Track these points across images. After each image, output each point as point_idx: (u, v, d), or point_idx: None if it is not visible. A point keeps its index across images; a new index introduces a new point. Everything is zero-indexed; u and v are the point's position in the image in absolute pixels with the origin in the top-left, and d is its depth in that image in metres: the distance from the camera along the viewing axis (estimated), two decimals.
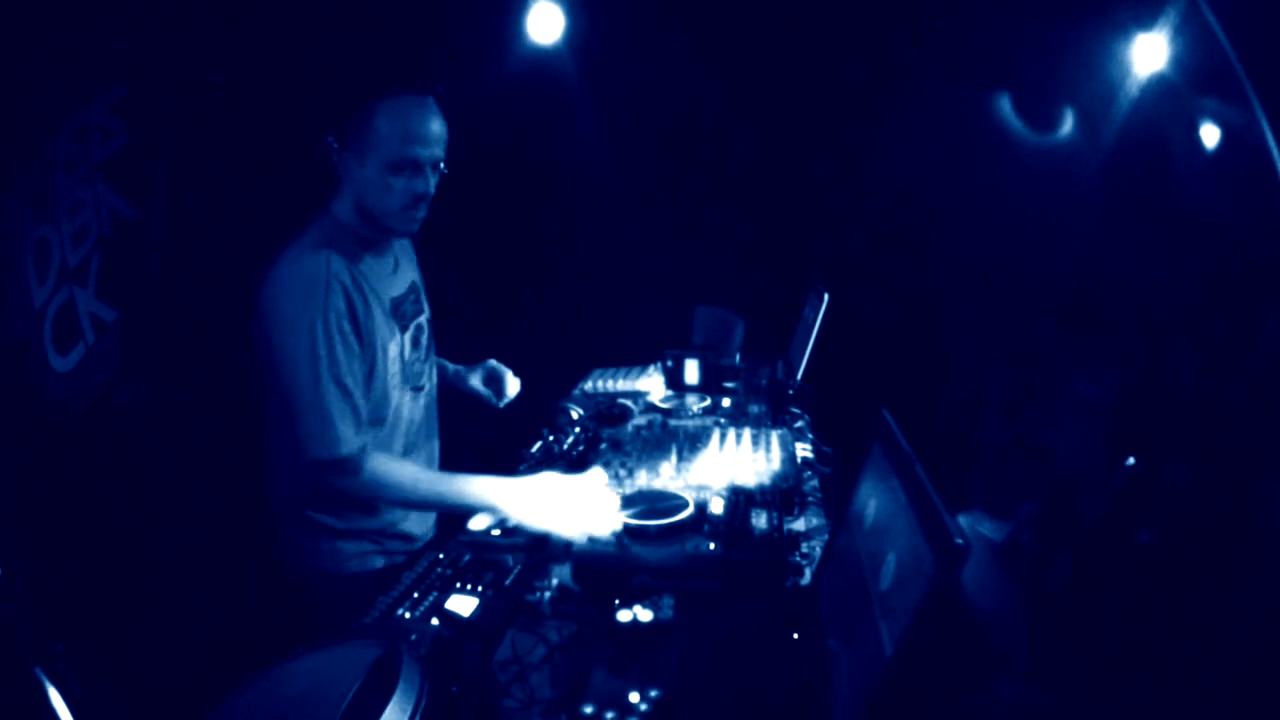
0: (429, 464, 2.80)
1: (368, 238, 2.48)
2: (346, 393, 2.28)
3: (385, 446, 2.52)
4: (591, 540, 2.08)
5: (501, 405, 3.09)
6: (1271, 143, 2.53)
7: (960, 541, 1.08)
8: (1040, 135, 3.25)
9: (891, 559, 1.29)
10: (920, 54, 3.71)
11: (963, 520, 1.49)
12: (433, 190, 2.40)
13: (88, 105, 3.57)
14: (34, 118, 3.35)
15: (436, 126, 2.36)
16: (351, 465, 2.27)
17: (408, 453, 2.65)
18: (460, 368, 3.12)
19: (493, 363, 3.13)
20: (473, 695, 1.49)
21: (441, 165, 2.41)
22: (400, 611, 1.93)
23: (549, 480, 2.33)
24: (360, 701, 1.33)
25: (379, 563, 2.56)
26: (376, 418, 2.47)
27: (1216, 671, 1.94)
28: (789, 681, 1.52)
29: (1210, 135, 2.74)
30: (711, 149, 4.65)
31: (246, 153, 3.88)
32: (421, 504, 2.50)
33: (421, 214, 2.42)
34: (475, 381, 3.08)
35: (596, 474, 2.42)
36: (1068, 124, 3.09)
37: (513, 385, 3.09)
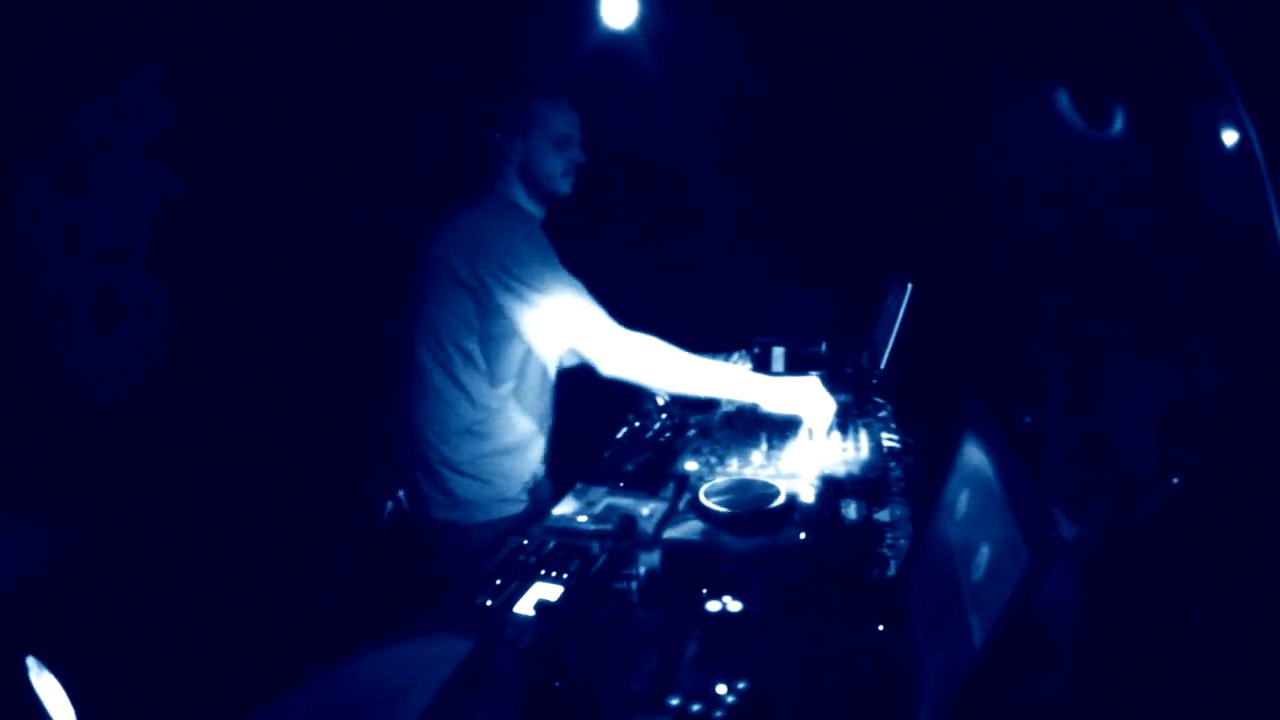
0: (546, 434, 3.02)
1: (530, 213, 2.91)
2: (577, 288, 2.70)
3: (523, 392, 2.85)
4: (681, 529, 2.09)
5: None
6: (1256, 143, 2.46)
7: (1056, 535, 1.06)
8: (1098, 131, 3.18)
9: (985, 550, 1.27)
10: (995, 43, 3.65)
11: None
12: (583, 158, 2.93)
13: (122, 82, 3.60)
14: (57, 93, 3.38)
15: (574, 113, 2.93)
16: (626, 334, 2.71)
17: (539, 423, 2.93)
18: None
19: None
20: (578, 689, 1.49)
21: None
22: (481, 600, 1.92)
23: (805, 381, 2.69)
24: (450, 699, 1.32)
25: (502, 511, 2.78)
26: (530, 360, 2.82)
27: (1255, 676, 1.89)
28: (874, 673, 1.50)
29: (1230, 135, 2.67)
30: (796, 134, 4.60)
31: (307, 140, 3.95)
32: (689, 383, 2.70)
33: (573, 177, 2.94)
34: None
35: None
36: (1120, 121, 3.02)
37: None
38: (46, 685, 2.16)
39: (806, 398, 2.64)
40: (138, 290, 3.66)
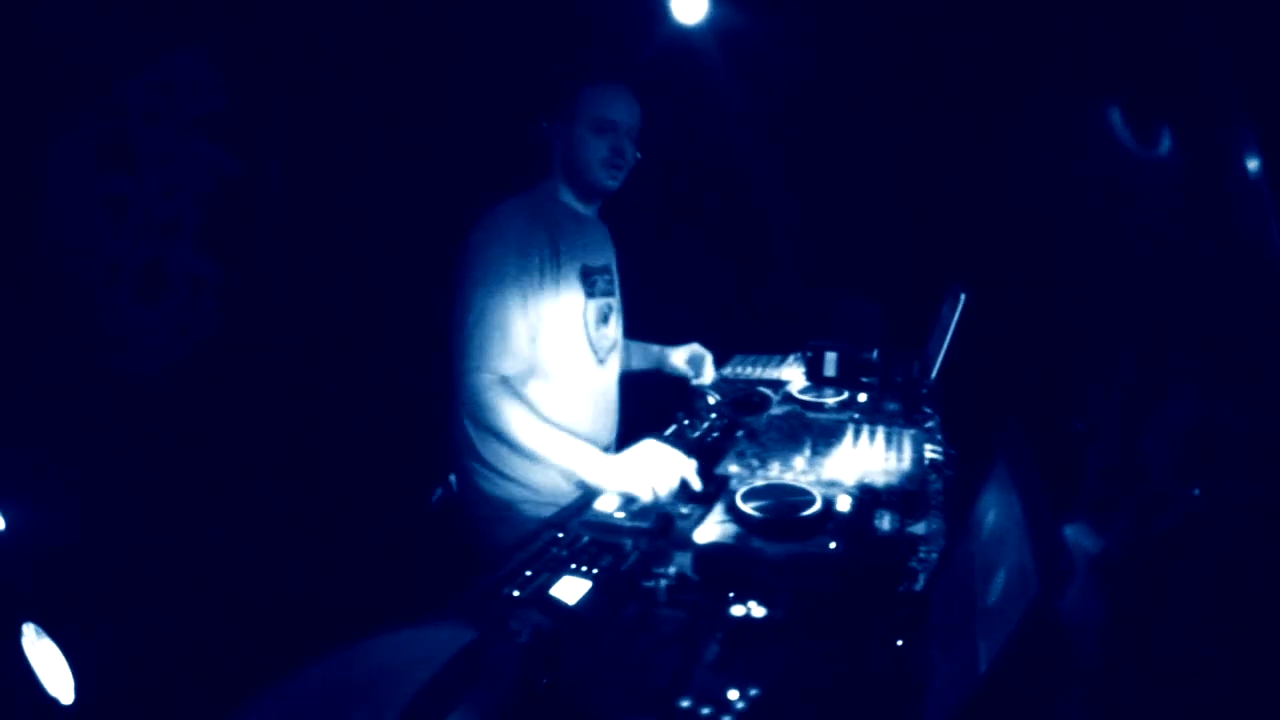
0: (609, 436, 3.10)
1: (575, 212, 2.93)
2: (506, 321, 2.58)
3: (576, 419, 2.87)
4: (715, 531, 2.10)
5: (694, 383, 3.42)
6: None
7: (1064, 566, 1.06)
8: (1146, 150, 3.14)
9: (1001, 574, 1.27)
10: (1057, 52, 3.61)
11: (1069, 531, 1.45)
12: (629, 157, 2.86)
13: (170, 57, 3.62)
14: (96, 64, 3.39)
15: (628, 102, 2.85)
16: (487, 379, 2.55)
17: (594, 426, 2.97)
18: (664, 348, 3.53)
19: (697, 346, 3.54)
20: (567, 687, 1.51)
21: (635, 142, 2.88)
22: (508, 590, 1.94)
23: (646, 446, 2.52)
24: (441, 687, 1.35)
25: (539, 512, 2.77)
26: (541, 369, 2.79)
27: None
28: (886, 688, 1.51)
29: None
30: (856, 138, 4.59)
31: (365, 123, 3.99)
32: (524, 448, 2.59)
33: (620, 173, 2.88)
34: (678, 359, 3.47)
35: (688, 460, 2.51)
36: (1166, 140, 2.98)
37: (709, 370, 3.45)
38: (45, 652, 2.19)
39: (638, 470, 2.42)
40: (187, 265, 3.72)
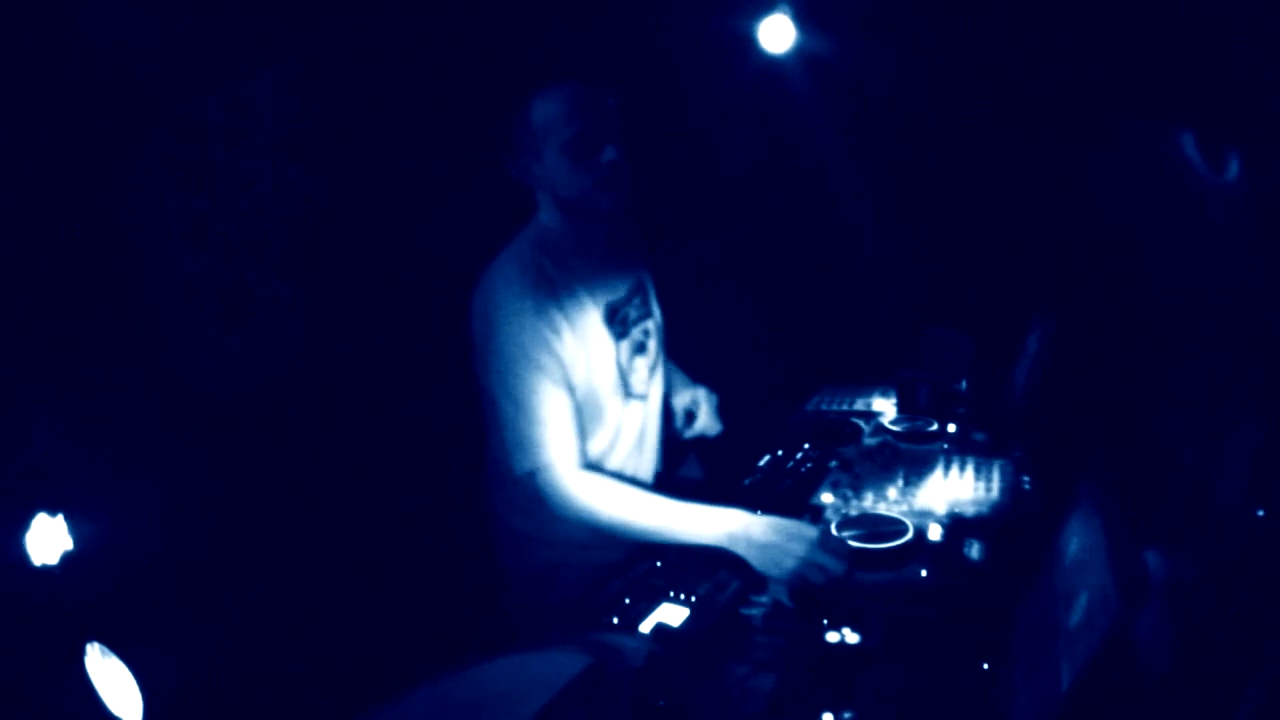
0: (645, 476, 2.82)
1: (579, 240, 2.54)
2: (549, 404, 2.33)
3: (602, 457, 2.59)
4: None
5: (685, 436, 3.07)
6: None
7: (1143, 587, 1.12)
8: (1218, 175, 3.14)
9: (1083, 598, 1.32)
10: (1145, 78, 3.61)
11: (1150, 556, 1.50)
12: (620, 159, 2.40)
13: (250, 77, 3.60)
14: (175, 83, 3.33)
15: (595, 98, 2.41)
16: (568, 472, 2.34)
17: (624, 463, 2.69)
18: (680, 376, 3.17)
19: (704, 391, 3.11)
20: (679, 712, 1.56)
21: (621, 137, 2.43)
22: (608, 617, 2.02)
23: (770, 523, 2.24)
24: (560, 710, 1.38)
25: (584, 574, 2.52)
26: (588, 427, 2.51)
27: None
28: (973, 710, 1.56)
29: None
30: (941, 165, 4.60)
31: (445, 143, 4.01)
32: (634, 533, 2.38)
33: (617, 184, 2.41)
34: (678, 399, 3.10)
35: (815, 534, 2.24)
36: (1235, 165, 2.98)
37: (704, 422, 3.04)
38: (111, 671, 2.24)
39: (775, 544, 2.16)
40: (271, 287, 3.71)
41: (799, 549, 2.13)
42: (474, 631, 2.62)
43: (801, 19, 4.03)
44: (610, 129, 2.41)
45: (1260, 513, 1.59)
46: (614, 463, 2.65)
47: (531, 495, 2.38)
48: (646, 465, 2.84)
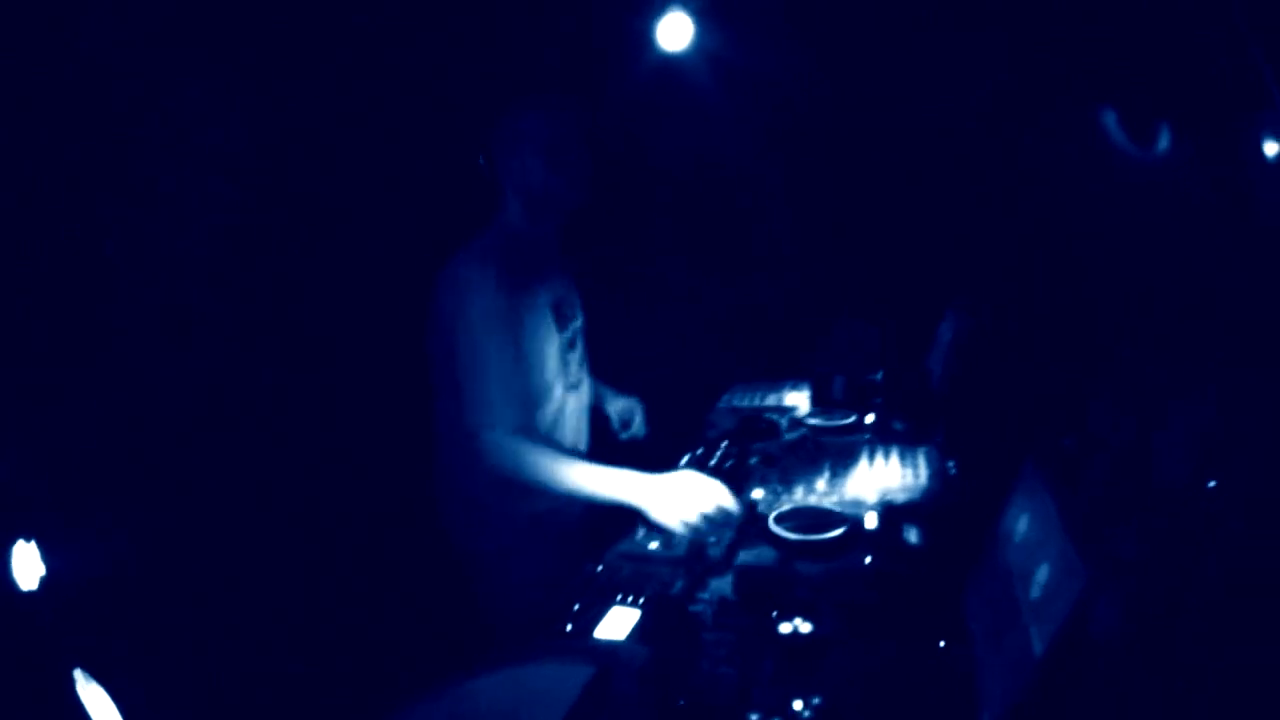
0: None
1: (536, 237, 2.75)
2: (506, 370, 2.49)
3: (546, 437, 2.70)
4: (752, 554, 2.18)
5: (624, 437, 3.29)
6: None
7: (1107, 552, 1.16)
8: (1147, 151, 3.23)
9: (1044, 569, 1.37)
10: (1047, 66, 3.71)
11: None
12: (589, 162, 2.68)
13: (184, 86, 3.50)
14: (118, 93, 3.27)
15: (574, 109, 2.67)
16: (505, 436, 2.47)
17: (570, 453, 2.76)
18: (605, 390, 3.33)
19: (635, 399, 3.36)
20: (704, 707, 1.58)
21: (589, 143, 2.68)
22: (561, 624, 2.01)
23: (684, 476, 2.36)
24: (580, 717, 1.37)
25: (546, 562, 2.73)
26: (536, 405, 2.68)
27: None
28: (937, 686, 1.60)
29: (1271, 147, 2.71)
30: (841, 159, 4.67)
31: (373, 156, 3.99)
32: (560, 488, 2.50)
33: (589, 182, 2.70)
34: (612, 406, 3.31)
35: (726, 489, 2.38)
36: (1166, 139, 3.07)
37: (637, 426, 3.31)
38: (94, 698, 2.21)
39: (684, 498, 2.29)
40: (202, 302, 3.62)
41: (700, 499, 2.26)
42: (448, 634, 2.75)
43: (701, 16, 4.07)
44: (583, 136, 2.67)
45: (1211, 484, 1.64)
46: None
47: (476, 453, 2.50)
48: (581, 449, 2.99)
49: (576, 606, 2.10)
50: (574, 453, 2.76)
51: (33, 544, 2.18)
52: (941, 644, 1.72)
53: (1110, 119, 3.09)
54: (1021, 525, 1.61)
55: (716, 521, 2.24)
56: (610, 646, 1.81)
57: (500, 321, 2.49)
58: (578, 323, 2.94)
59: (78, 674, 2.14)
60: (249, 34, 3.56)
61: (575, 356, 2.90)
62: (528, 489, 2.53)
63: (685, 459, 3.06)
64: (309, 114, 3.84)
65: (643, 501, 2.34)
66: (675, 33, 4.04)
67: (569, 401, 2.85)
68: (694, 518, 2.25)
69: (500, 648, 1.94)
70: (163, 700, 2.56)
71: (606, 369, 3.27)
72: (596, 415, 3.17)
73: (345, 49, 3.78)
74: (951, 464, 2.72)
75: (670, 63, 4.23)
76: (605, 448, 3.04)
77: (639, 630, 1.96)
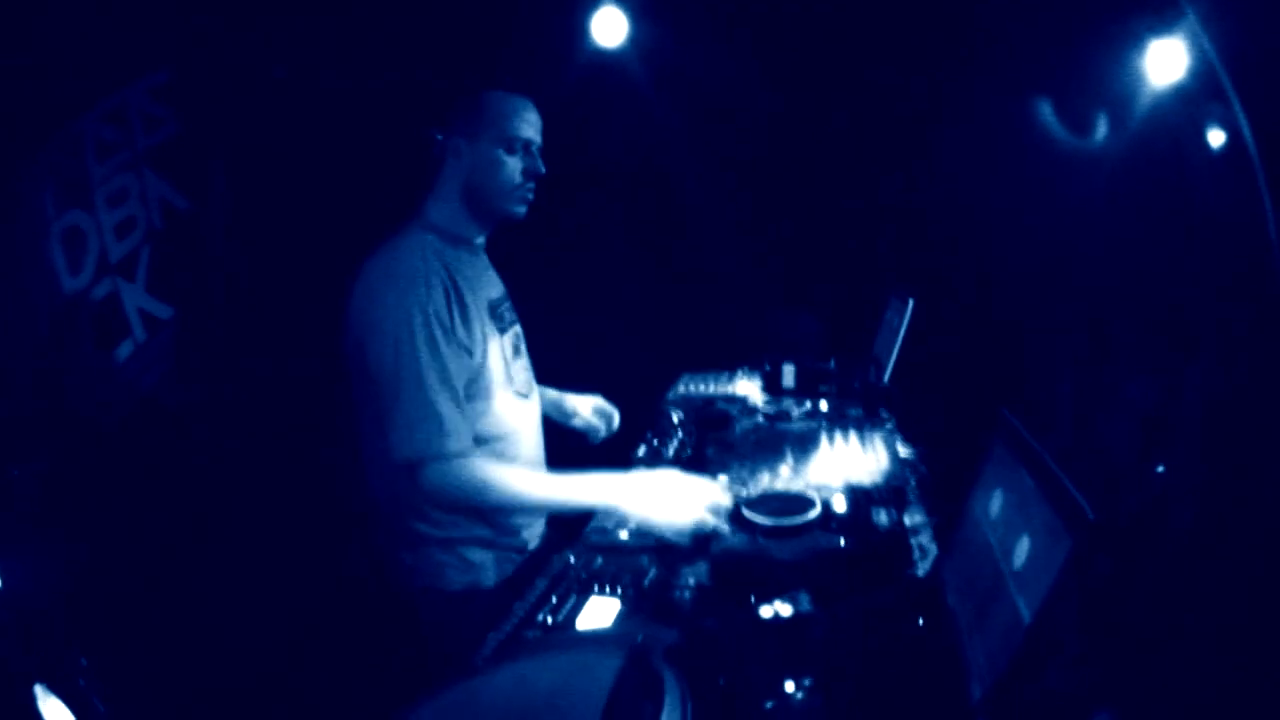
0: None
1: (464, 237, 2.57)
2: (450, 387, 2.30)
3: (498, 454, 2.52)
4: (724, 537, 2.22)
5: (596, 440, 3.16)
6: (1252, 145, 2.61)
7: (1092, 516, 1.22)
8: (1080, 140, 3.32)
9: (1025, 540, 1.42)
10: (976, 58, 3.78)
11: None
12: (543, 170, 2.53)
13: (123, 88, 3.45)
14: (54, 95, 3.17)
15: (537, 116, 2.54)
16: (459, 462, 2.29)
17: (521, 462, 2.64)
18: (565, 394, 3.17)
19: (601, 399, 3.21)
20: (744, 683, 1.59)
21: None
22: (543, 616, 2.03)
23: (665, 476, 2.37)
24: (622, 701, 1.35)
25: (490, 578, 2.53)
26: (483, 418, 2.48)
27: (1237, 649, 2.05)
28: (922, 660, 1.66)
29: (1216, 138, 2.80)
30: (777, 152, 4.74)
31: (314, 149, 3.89)
32: (532, 505, 2.47)
33: (531, 195, 2.54)
34: (583, 408, 3.15)
35: (712, 483, 2.42)
36: (1102, 128, 3.15)
37: (615, 426, 3.19)
38: (54, 712, 2.18)
39: (667, 498, 2.29)
40: (141, 305, 3.54)
41: (689, 498, 2.26)
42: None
43: (634, 12, 4.10)
44: (539, 144, 2.55)
45: (1160, 469, 1.71)
46: (517, 460, 2.63)
47: (425, 485, 2.30)
48: (540, 463, 2.82)
49: (554, 599, 2.11)
50: (534, 465, 2.72)
51: None
52: (920, 621, 1.77)
53: (1046, 107, 3.16)
54: (995, 501, 1.67)
55: (710, 514, 2.25)
56: (631, 632, 1.82)
57: (440, 328, 2.31)
58: (518, 328, 2.79)
59: (38, 689, 2.12)
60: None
61: (521, 364, 2.75)
62: (494, 516, 2.48)
63: (641, 449, 3.09)
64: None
65: (628, 504, 2.31)
66: (610, 28, 4.08)
67: (523, 412, 2.68)
68: (684, 514, 2.24)
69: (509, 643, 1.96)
70: (123, 714, 2.54)
71: (545, 365, 3.12)
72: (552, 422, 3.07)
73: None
74: (909, 446, 2.79)
75: (606, 58, 4.25)
76: (556, 450, 2.97)
77: (623, 620, 1.99)
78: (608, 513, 2.45)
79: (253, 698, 3.19)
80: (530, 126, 2.50)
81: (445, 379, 2.29)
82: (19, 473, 2.90)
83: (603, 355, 3.91)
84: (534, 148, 2.51)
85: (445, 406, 2.28)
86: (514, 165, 2.47)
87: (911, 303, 3.28)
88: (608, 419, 3.19)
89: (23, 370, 3.08)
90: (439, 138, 2.51)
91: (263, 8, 3.65)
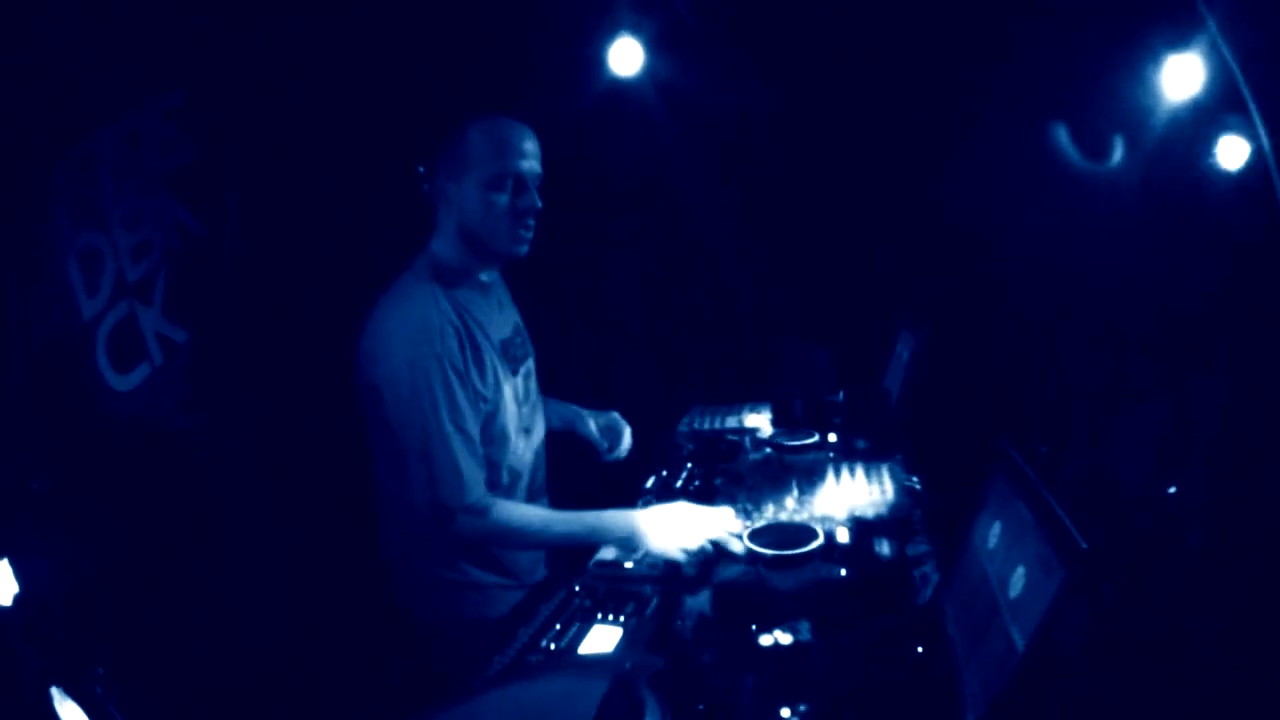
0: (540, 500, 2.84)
1: (472, 276, 2.51)
2: (469, 437, 2.33)
3: (506, 493, 2.57)
4: (728, 568, 2.26)
5: (609, 458, 3.17)
6: (1271, 161, 2.61)
7: (1085, 546, 1.23)
8: (1095, 162, 3.32)
9: (1020, 571, 1.43)
10: (990, 88, 3.78)
11: None
12: (539, 204, 2.41)
13: (136, 110, 3.44)
14: (68, 115, 3.16)
15: (531, 144, 2.40)
16: (479, 510, 2.33)
17: (526, 498, 2.70)
18: (581, 410, 3.19)
19: (615, 415, 3.22)
20: (724, 709, 1.61)
21: (541, 186, 2.44)
22: (546, 643, 2.04)
23: (679, 507, 2.46)
24: None
25: (498, 608, 2.56)
26: (496, 462, 2.52)
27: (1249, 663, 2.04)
28: (919, 689, 1.66)
29: (1230, 155, 2.79)
30: (793, 184, 4.72)
31: (328, 175, 3.92)
32: (553, 543, 2.56)
33: (530, 232, 2.44)
34: (592, 426, 3.14)
35: (725, 511, 2.50)
36: (1118, 149, 3.15)
37: (626, 442, 3.18)
38: (71, 716, 2.20)
39: (678, 531, 2.37)
40: (159, 329, 3.54)
41: (702, 525, 2.36)
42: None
43: (650, 42, 4.12)
44: (536, 172, 2.43)
45: (1172, 489, 1.71)
46: (522, 496, 2.68)
47: (448, 534, 2.35)
48: (541, 497, 2.85)
49: (558, 626, 2.12)
50: (541, 502, 2.77)
51: (4, 562, 2.17)
52: (920, 650, 1.78)
53: (1062, 131, 3.15)
54: (995, 532, 1.68)
55: (721, 544, 2.34)
56: (620, 658, 1.84)
57: (455, 376, 2.30)
58: (529, 363, 2.77)
59: (54, 692, 2.14)
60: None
61: (529, 401, 2.74)
62: (500, 555, 2.53)
63: (651, 481, 3.09)
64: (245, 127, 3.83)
65: (644, 535, 2.39)
66: (626, 58, 4.11)
67: (523, 448, 2.68)
68: (697, 543, 2.34)
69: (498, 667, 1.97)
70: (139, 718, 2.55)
71: (558, 396, 3.20)
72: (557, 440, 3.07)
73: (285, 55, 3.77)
74: (915, 479, 2.79)
75: (622, 87, 4.28)
76: (561, 476, 3.01)
77: (623, 647, 2.00)
78: (620, 543, 2.47)
79: (258, 717, 3.21)
80: (519, 157, 2.36)
81: (463, 430, 2.32)
82: (38, 487, 2.91)
83: (615, 387, 3.91)
84: (529, 180, 2.39)
85: (464, 459, 2.31)
86: (503, 204, 2.37)
87: (923, 335, 3.29)
88: (614, 435, 3.17)
89: (42, 390, 3.09)
90: (425, 187, 2.47)
91: (278, 32, 3.67)
